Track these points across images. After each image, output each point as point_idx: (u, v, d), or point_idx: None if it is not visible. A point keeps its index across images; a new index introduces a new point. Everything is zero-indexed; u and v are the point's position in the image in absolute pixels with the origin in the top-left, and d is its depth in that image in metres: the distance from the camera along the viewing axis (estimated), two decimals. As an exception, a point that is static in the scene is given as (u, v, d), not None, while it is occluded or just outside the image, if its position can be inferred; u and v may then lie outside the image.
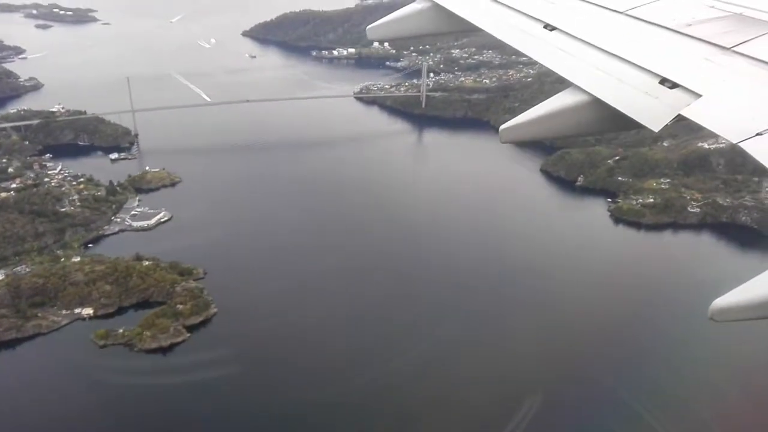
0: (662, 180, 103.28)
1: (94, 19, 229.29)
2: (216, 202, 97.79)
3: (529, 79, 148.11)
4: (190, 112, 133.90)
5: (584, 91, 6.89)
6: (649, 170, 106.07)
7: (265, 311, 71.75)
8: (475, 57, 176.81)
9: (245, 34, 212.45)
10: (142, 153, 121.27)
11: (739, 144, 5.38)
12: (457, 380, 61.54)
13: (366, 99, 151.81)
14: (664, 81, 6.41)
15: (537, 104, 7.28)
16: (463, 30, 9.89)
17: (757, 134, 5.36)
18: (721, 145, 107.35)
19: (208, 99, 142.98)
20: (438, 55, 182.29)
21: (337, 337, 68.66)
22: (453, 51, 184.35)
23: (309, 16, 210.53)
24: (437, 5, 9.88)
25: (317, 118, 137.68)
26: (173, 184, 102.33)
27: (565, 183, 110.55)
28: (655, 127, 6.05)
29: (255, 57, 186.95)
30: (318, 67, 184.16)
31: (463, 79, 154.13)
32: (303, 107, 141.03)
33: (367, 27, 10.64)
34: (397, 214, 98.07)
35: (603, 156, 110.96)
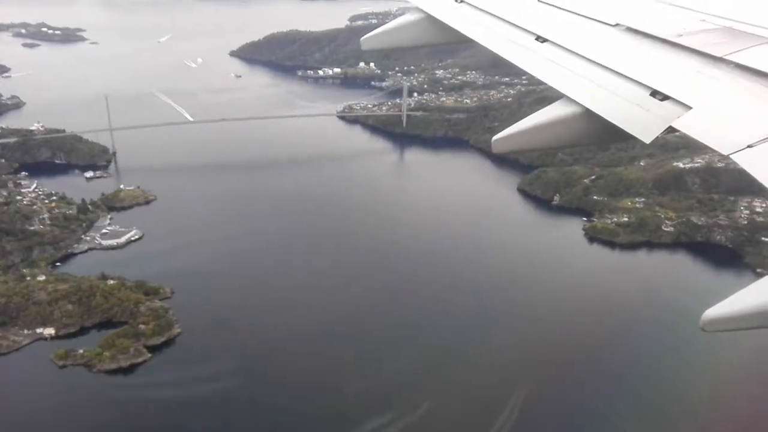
0: (637, 199, 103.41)
1: (83, 39, 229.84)
2: (190, 220, 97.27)
3: (509, 99, 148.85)
4: (172, 131, 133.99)
5: (576, 103, 6.94)
6: (625, 189, 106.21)
7: (232, 331, 71.01)
8: (459, 77, 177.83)
9: (233, 54, 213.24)
10: (121, 171, 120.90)
11: (730, 156, 5.39)
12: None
13: (348, 118, 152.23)
14: (655, 93, 6.46)
15: (528, 116, 7.36)
16: (456, 41, 9.99)
17: (748, 146, 5.35)
18: (696, 165, 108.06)
19: (190, 118, 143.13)
20: (422, 76, 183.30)
21: (307, 354, 67.85)
22: (437, 72, 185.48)
23: (296, 36, 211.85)
24: (430, 17, 10.02)
25: (299, 137, 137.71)
26: (147, 203, 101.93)
27: (541, 202, 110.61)
28: (647, 138, 6.07)
29: (240, 76, 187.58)
30: (303, 86, 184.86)
31: (444, 99, 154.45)
32: (285, 126, 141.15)
33: (362, 38, 10.63)
34: (373, 232, 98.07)
35: (579, 175, 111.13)
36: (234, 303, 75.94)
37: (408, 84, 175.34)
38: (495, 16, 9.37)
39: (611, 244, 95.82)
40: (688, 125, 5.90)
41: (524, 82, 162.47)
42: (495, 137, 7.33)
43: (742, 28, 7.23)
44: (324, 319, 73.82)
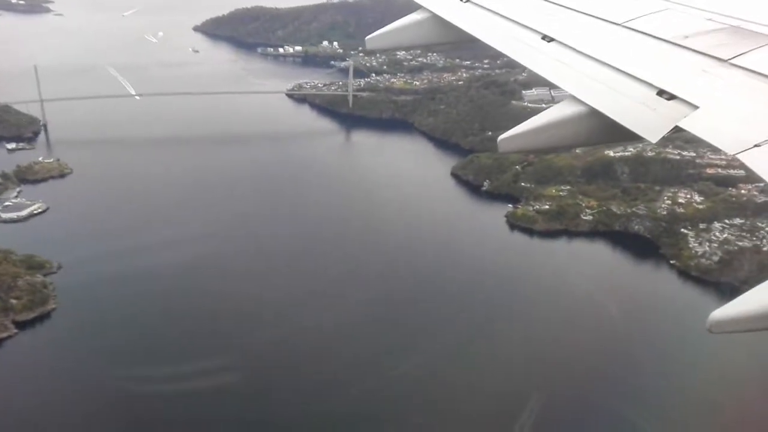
0: (563, 187, 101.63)
1: (48, 10, 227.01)
2: (104, 194, 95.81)
3: (460, 83, 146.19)
4: (115, 104, 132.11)
5: (582, 103, 6.92)
6: (553, 177, 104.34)
7: (112, 309, 69.65)
8: (419, 59, 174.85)
9: (196, 29, 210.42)
10: (52, 144, 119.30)
11: (737, 155, 5.39)
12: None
13: (297, 96, 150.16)
14: (661, 92, 6.45)
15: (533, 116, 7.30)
16: (461, 41, 9.99)
17: (755, 146, 5.36)
18: (626, 154, 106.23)
19: (133, 92, 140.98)
20: (383, 57, 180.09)
21: (183, 340, 66.58)
22: (398, 53, 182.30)
23: (259, 12, 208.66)
24: (436, 16, 9.99)
25: (243, 114, 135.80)
26: (62, 176, 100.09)
27: (472, 187, 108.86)
28: (653, 138, 6.07)
29: (198, 51, 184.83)
30: (261, 63, 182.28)
31: (394, 80, 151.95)
32: (231, 103, 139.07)
33: (366, 38, 10.58)
34: (293, 212, 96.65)
35: (511, 161, 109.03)
36: (124, 282, 74.27)
37: (367, 64, 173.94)
38: (501, 15, 9.37)
39: (529, 232, 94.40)
40: (695, 125, 5.89)
41: (485, 66, 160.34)
42: (501, 137, 7.33)
43: (749, 27, 7.18)
44: (209, 300, 72.42)
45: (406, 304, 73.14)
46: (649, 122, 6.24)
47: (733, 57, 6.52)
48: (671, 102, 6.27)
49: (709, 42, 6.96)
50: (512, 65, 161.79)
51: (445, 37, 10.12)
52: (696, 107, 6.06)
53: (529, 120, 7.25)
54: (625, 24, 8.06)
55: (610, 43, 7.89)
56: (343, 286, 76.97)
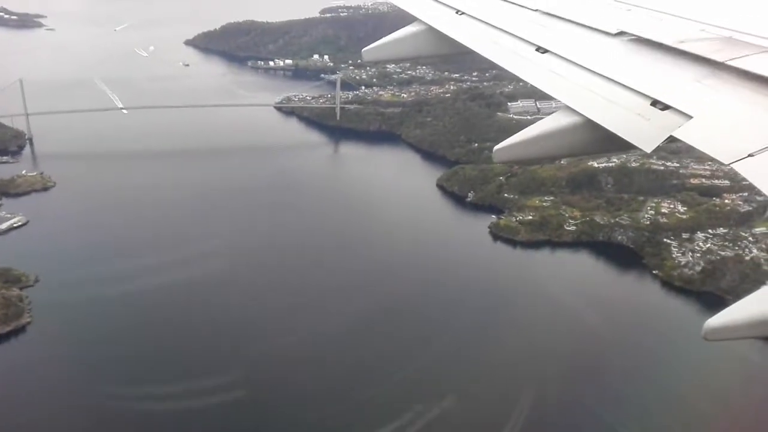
0: (546, 198, 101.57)
1: (40, 25, 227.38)
2: (86, 208, 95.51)
3: (447, 95, 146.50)
4: (102, 118, 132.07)
5: (577, 113, 6.98)
6: (537, 188, 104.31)
7: (88, 323, 69.09)
8: (408, 72, 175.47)
9: (188, 43, 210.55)
10: (37, 158, 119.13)
11: (731, 165, 5.39)
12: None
13: (285, 109, 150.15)
14: (655, 102, 6.49)
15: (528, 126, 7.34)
16: (457, 53, 10.12)
17: (749, 155, 5.37)
18: (610, 165, 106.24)
19: (120, 105, 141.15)
20: (373, 69, 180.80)
21: (162, 354, 65.84)
22: (388, 66, 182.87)
23: (251, 26, 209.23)
24: (431, 28, 10.10)
25: (231, 127, 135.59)
26: (45, 189, 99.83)
27: (457, 198, 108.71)
28: (648, 148, 6.11)
29: (188, 65, 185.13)
30: (251, 77, 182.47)
31: (382, 93, 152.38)
32: (219, 116, 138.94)
33: (363, 50, 10.76)
34: (276, 225, 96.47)
35: (495, 172, 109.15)
36: (103, 296, 73.68)
37: (357, 77, 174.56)
38: (495, 27, 9.43)
39: (513, 242, 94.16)
40: (689, 135, 5.91)
41: (474, 78, 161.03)
42: (496, 147, 7.38)
43: (742, 38, 7.24)
44: (189, 313, 71.99)
45: (384, 317, 72.64)
46: (644, 132, 6.26)
47: (727, 62, 6.58)
48: (665, 112, 6.30)
49: (704, 48, 7.01)
50: (500, 77, 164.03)
51: (441, 49, 10.23)
52: (690, 117, 6.06)
53: (523, 130, 7.30)
54: (618, 35, 8.08)
55: (604, 53, 7.91)
56: (324, 298, 76.59)
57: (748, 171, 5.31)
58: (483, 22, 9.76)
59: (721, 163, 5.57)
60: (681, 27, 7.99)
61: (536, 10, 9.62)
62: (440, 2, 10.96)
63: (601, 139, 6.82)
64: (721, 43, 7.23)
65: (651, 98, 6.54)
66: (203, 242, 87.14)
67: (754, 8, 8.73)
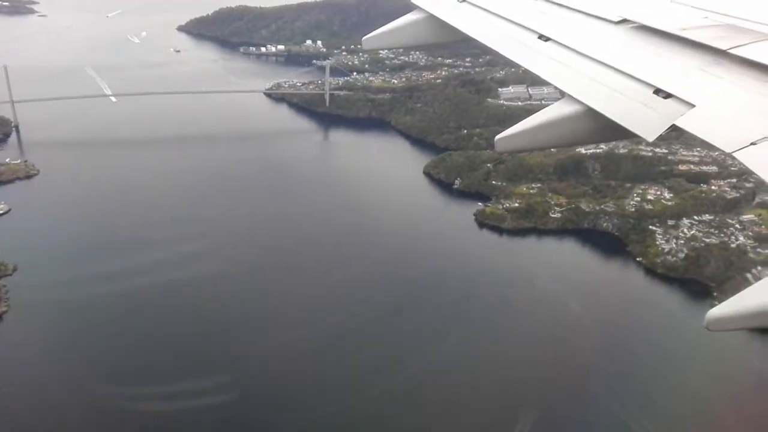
0: (533, 185, 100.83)
1: (32, 11, 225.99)
2: (68, 195, 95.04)
3: (438, 81, 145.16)
4: (92, 105, 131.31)
5: (579, 102, 6.96)
6: (524, 175, 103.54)
7: (68, 313, 68.86)
8: (401, 57, 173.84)
9: (180, 29, 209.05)
10: (24, 145, 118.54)
11: (734, 154, 5.41)
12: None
13: (275, 96, 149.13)
14: (658, 91, 6.48)
15: (531, 115, 7.32)
16: (458, 40, 10.05)
17: (752, 144, 5.38)
18: (597, 151, 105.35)
19: (109, 92, 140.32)
20: (365, 55, 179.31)
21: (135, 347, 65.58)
22: (381, 51, 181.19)
23: (244, 11, 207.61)
24: (432, 16, 10.05)
25: (221, 113, 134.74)
26: (29, 177, 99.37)
27: (444, 185, 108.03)
28: (650, 137, 6.11)
29: (179, 51, 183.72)
30: (243, 63, 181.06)
31: (372, 78, 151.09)
32: (209, 102, 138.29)
33: (363, 38, 10.68)
34: (260, 212, 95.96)
35: (483, 159, 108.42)
36: (85, 285, 73.20)
37: (349, 63, 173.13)
38: (497, 15, 9.38)
39: (498, 230, 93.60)
40: (692, 123, 5.92)
41: (467, 64, 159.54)
42: (498, 136, 7.34)
43: (745, 26, 7.21)
44: (166, 305, 71.70)
45: (362, 306, 72.27)
46: (646, 121, 6.24)
47: (730, 50, 6.50)
48: (668, 100, 6.28)
49: (707, 35, 6.93)
50: (493, 63, 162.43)
51: (442, 37, 10.20)
52: (692, 105, 6.05)
53: (526, 119, 7.25)
54: (620, 22, 8.00)
55: (606, 41, 7.85)
56: (304, 286, 76.35)
57: (750, 160, 5.29)
58: (484, 9, 9.72)
59: (724, 152, 5.60)
60: (684, 14, 7.91)
61: None
62: None
63: (603, 128, 6.84)
64: (723, 30, 7.17)
65: (653, 87, 6.53)
66: (188, 231, 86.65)
67: None
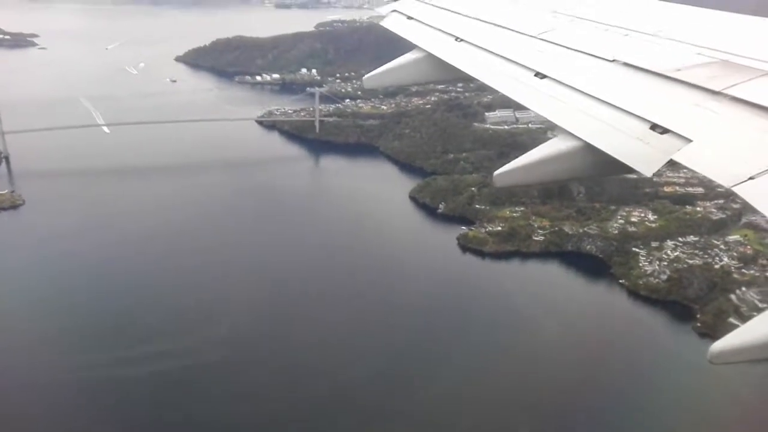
0: (516, 208, 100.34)
1: (33, 44, 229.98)
2: (52, 225, 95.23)
3: (428, 106, 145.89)
4: (85, 135, 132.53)
5: (576, 137, 7.05)
6: (508, 198, 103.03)
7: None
8: (394, 84, 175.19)
9: (178, 59, 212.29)
10: (14, 176, 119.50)
11: (733, 188, 5.38)
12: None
13: (266, 123, 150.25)
14: (654, 126, 6.51)
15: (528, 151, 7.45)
16: (457, 79, 10.36)
17: (750, 178, 5.38)
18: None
19: (102, 122, 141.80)
20: (358, 82, 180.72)
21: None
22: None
23: (240, 42, 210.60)
24: (431, 55, 10.37)
25: (213, 141, 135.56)
26: (14, 207, 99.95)
27: (428, 210, 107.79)
28: (648, 172, 6.16)
29: (175, 81, 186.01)
30: (238, 92, 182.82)
31: (362, 105, 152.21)
32: (202, 131, 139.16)
33: (364, 77, 11.18)
34: (245, 238, 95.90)
35: (467, 183, 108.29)
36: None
37: (342, 90, 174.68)
38: (494, 53, 9.59)
39: (481, 254, 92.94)
40: (689, 158, 5.94)
41: (459, 89, 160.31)
42: (496, 172, 7.42)
43: (738, 61, 7.24)
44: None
45: (342, 328, 71.70)
46: (644, 156, 6.28)
47: (724, 90, 6.55)
48: (665, 136, 6.31)
49: (700, 76, 6.97)
50: (483, 88, 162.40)
51: (441, 75, 10.52)
52: (689, 140, 6.07)
53: (524, 155, 7.34)
54: (616, 60, 8.10)
55: (602, 78, 7.95)
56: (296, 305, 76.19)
57: (749, 194, 5.29)
58: (482, 48, 9.90)
59: (723, 187, 5.56)
60: (677, 51, 7.96)
61: (534, 37, 9.70)
62: (439, 30, 11.22)
63: (601, 163, 6.88)
64: (718, 68, 7.17)
65: (650, 122, 6.56)
66: (171, 257, 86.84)
67: (749, 29, 8.73)
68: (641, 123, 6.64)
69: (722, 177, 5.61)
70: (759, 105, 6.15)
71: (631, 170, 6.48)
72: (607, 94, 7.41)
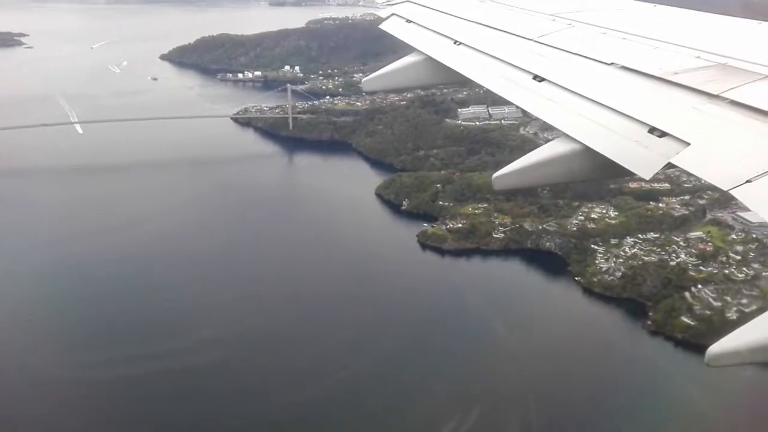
0: (479, 205, 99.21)
1: (20, 43, 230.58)
2: (7, 223, 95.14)
3: (403, 103, 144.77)
4: (57, 133, 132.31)
5: (575, 140, 7.03)
6: (472, 195, 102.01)
7: None
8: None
9: (163, 57, 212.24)
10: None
11: (730, 191, 5.41)
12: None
13: (241, 120, 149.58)
14: (653, 130, 6.51)
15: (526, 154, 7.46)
16: (456, 81, 10.40)
17: (747, 181, 5.38)
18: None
19: (76, 119, 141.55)
20: (340, 79, 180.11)
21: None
22: (355, 75, 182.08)
23: (224, 39, 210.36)
24: (430, 58, 10.38)
25: (186, 139, 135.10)
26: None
27: (393, 206, 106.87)
28: (647, 174, 6.15)
29: (156, 79, 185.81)
30: (219, 89, 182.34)
31: (336, 101, 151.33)
32: (177, 128, 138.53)
33: (363, 80, 11.26)
34: (208, 234, 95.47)
35: (432, 180, 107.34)
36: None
37: (323, 87, 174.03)
38: (493, 56, 9.58)
39: (440, 251, 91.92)
40: (687, 161, 5.94)
41: (441, 88, 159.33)
42: (495, 175, 7.53)
43: (736, 65, 7.23)
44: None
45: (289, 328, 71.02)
46: (642, 159, 6.28)
47: (722, 94, 6.53)
48: (663, 139, 6.30)
49: (698, 80, 6.95)
50: (464, 83, 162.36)
51: (440, 78, 10.60)
52: (687, 144, 6.06)
53: (522, 158, 7.35)
54: (614, 63, 8.06)
55: (600, 82, 7.92)
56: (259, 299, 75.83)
57: (746, 197, 5.30)
58: (480, 51, 9.86)
59: (721, 190, 5.53)
60: (675, 55, 7.90)
61: (533, 40, 9.62)
62: (438, 33, 11.12)
63: (599, 166, 6.88)
64: (715, 71, 7.15)
65: (648, 125, 6.54)
66: (134, 248, 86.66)
67: (746, 33, 8.64)
68: (640, 126, 6.61)
69: (720, 180, 5.60)
70: (756, 108, 6.15)
71: (629, 173, 6.45)
72: (605, 97, 7.39)
